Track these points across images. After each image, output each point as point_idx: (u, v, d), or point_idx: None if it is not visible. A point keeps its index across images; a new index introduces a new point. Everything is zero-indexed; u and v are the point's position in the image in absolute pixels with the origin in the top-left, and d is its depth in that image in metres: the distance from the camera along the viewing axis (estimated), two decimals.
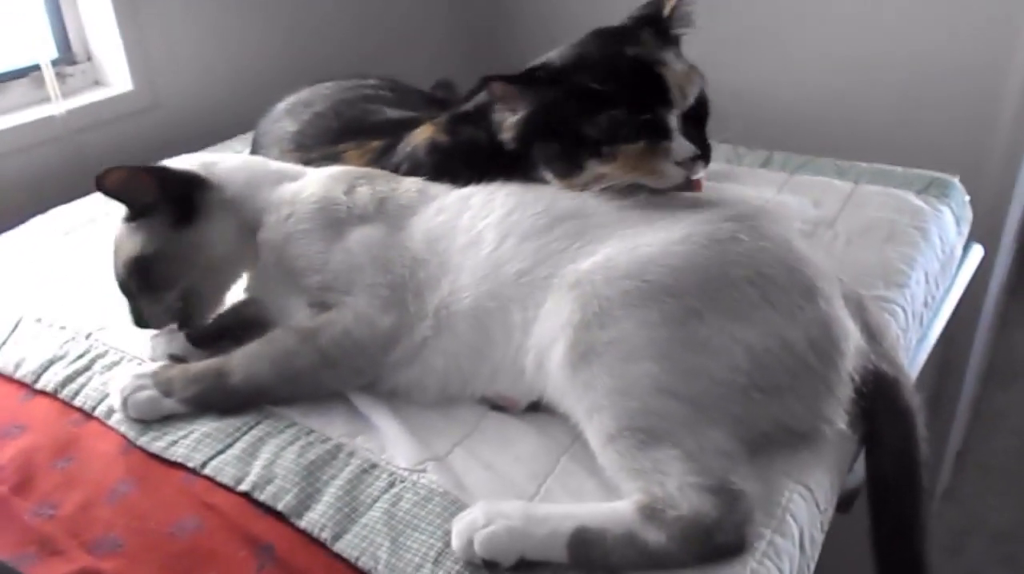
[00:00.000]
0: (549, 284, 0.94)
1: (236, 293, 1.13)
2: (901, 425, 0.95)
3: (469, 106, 1.13)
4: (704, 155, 1.04)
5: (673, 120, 1.03)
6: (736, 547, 0.80)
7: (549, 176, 1.07)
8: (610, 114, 1.01)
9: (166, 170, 1.06)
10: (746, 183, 1.54)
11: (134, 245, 1.04)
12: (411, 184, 1.09)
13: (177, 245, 1.04)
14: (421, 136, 1.14)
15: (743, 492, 0.81)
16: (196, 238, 1.05)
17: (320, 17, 2.12)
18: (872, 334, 0.99)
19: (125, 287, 1.06)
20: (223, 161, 1.13)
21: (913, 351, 1.24)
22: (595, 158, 1.02)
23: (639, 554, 0.79)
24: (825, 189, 1.51)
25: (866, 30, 1.94)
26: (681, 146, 1.02)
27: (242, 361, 0.98)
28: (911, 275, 1.26)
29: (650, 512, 0.80)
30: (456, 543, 0.80)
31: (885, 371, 0.96)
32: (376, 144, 1.17)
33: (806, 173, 1.58)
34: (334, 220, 1.03)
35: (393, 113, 1.24)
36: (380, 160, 1.15)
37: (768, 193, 1.49)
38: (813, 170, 1.59)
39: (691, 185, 1.07)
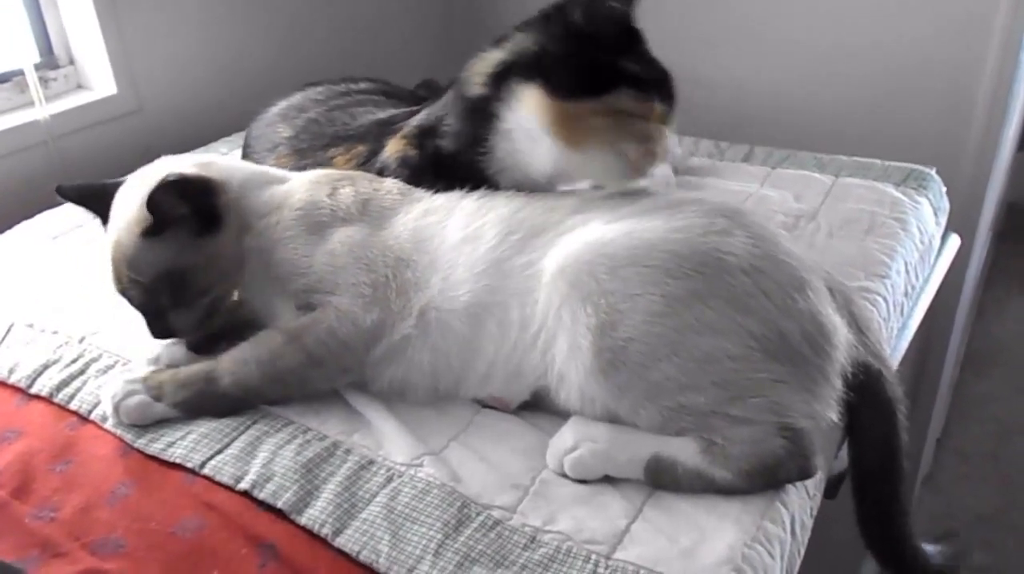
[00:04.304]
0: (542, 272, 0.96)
1: None
2: (885, 416, 0.98)
3: (431, 117, 1.13)
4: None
5: None
6: (801, 477, 0.91)
7: (538, 98, 1.01)
8: (651, 58, 1.01)
9: (189, 179, 1.02)
10: (728, 178, 1.57)
11: (162, 259, 1.01)
12: (392, 185, 1.11)
13: (205, 252, 1.03)
14: (392, 150, 1.15)
15: (803, 430, 0.89)
16: (220, 242, 1.04)
17: (302, 18, 2.12)
18: (858, 327, 1.01)
19: (149, 302, 1.03)
20: (217, 161, 1.13)
21: (894, 340, 1.27)
22: (627, 89, 0.99)
23: (706, 485, 0.88)
24: (806, 182, 1.54)
25: (844, 24, 1.97)
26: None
27: (230, 364, 0.99)
28: (892, 266, 1.29)
29: (714, 455, 0.88)
30: (550, 462, 0.92)
31: (870, 363, 0.98)
32: (361, 149, 1.18)
33: (787, 167, 1.61)
34: (317, 223, 1.04)
35: (381, 114, 1.25)
36: (365, 165, 1.16)
37: (750, 187, 1.52)
38: (794, 164, 1.62)
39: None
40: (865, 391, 0.98)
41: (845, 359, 0.95)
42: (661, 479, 0.89)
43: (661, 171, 1.09)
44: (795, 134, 1.86)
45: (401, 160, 1.13)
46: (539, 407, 0.99)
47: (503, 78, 1.04)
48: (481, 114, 1.05)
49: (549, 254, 0.96)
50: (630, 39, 1.03)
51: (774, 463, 0.88)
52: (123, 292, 1.05)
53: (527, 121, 1.03)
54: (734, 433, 0.88)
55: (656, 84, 1.03)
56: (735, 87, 2.07)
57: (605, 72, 1.00)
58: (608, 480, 0.91)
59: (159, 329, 1.05)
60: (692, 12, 2.10)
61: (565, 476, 0.91)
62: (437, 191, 1.09)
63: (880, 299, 1.22)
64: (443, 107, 1.11)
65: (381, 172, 1.14)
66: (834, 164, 1.60)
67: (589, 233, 0.96)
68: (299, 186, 1.09)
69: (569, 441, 0.91)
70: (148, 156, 1.76)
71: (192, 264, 1.02)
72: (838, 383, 0.93)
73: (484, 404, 1.01)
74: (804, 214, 1.43)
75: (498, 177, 1.07)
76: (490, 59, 1.06)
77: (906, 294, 1.32)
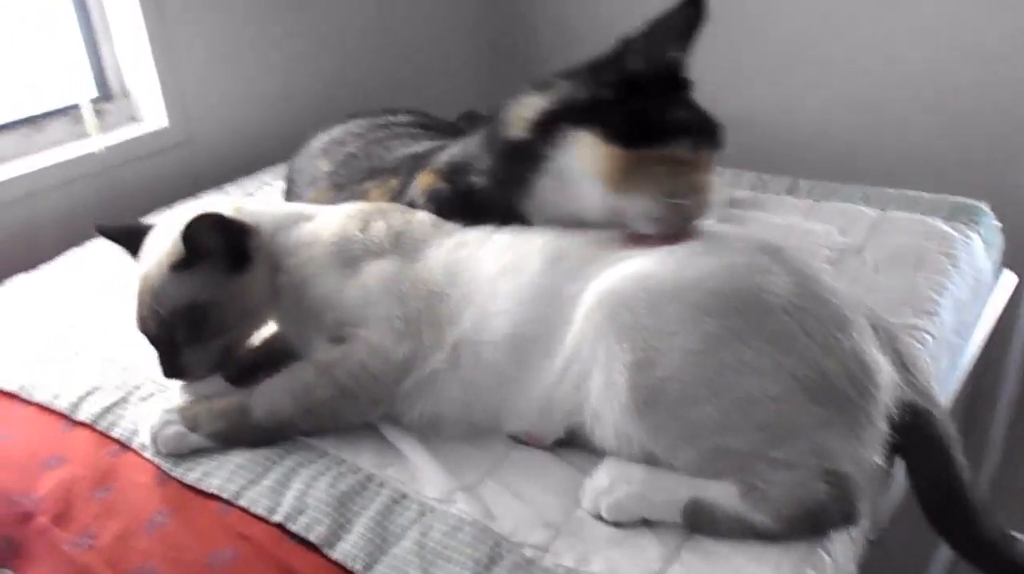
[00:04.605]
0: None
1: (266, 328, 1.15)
2: (938, 455, 0.95)
3: (464, 154, 1.13)
4: None
5: None
6: (845, 523, 0.87)
7: (594, 145, 1.00)
8: (696, 107, 1.01)
9: (226, 218, 1.04)
10: (772, 210, 1.55)
11: (186, 293, 1.03)
12: (425, 217, 1.11)
13: (230, 292, 1.04)
14: (423, 183, 1.15)
15: (847, 475, 0.86)
16: (246, 284, 1.06)
17: (350, 50, 2.17)
18: (904, 365, 0.98)
19: (165, 336, 1.04)
20: (248, 205, 1.15)
21: (945, 380, 1.23)
22: (685, 139, 0.99)
23: (746, 530, 0.86)
24: (852, 216, 1.51)
25: (892, 55, 1.94)
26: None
27: (263, 397, 1.00)
28: (941, 303, 1.26)
29: (754, 499, 0.86)
30: (585, 504, 0.90)
31: (918, 403, 0.95)
32: (394, 183, 1.19)
33: (832, 200, 1.58)
34: (350, 258, 1.05)
35: (416, 147, 1.26)
36: (398, 198, 1.17)
37: (794, 220, 1.50)
38: (839, 197, 1.59)
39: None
40: (915, 432, 0.94)
41: (890, 400, 0.92)
42: (699, 523, 0.87)
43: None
44: (840, 166, 1.83)
45: (431, 194, 1.13)
46: (574, 444, 0.98)
47: (550, 124, 1.04)
48: (523, 156, 1.05)
49: (591, 285, 0.95)
50: (680, 86, 1.03)
51: (817, 508, 0.86)
52: (142, 325, 1.06)
53: (579, 166, 1.02)
54: (775, 477, 0.86)
55: (709, 134, 1.02)
56: (778, 118, 2.06)
57: (659, 122, 1.00)
58: (644, 521, 0.89)
59: (170, 367, 1.05)
60: (736, 41, 2.09)
61: (601, 518, 0.89)
62: (466, 226, 1.09)
63: (929, 337, 1.19)
64: (478, 145, 1.12)
65: (411, 205, 1.15)
66: (881, 197, 1.57)
67: (630, 266, 0.95)
68: (330, 221, 1.10)
69: (604, 483, 0.90)
70: (196, 186, 1.81)
71: (215, 300, 1.03)
72: (883, 425, 0.90)
73: (518, 439, 1.00)
74: (849, 248, 1.40)
75: (534, 216, 1.07)
76: (533, 104, 1.06)
77: (957, 332, 1.28)
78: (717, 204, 1.05)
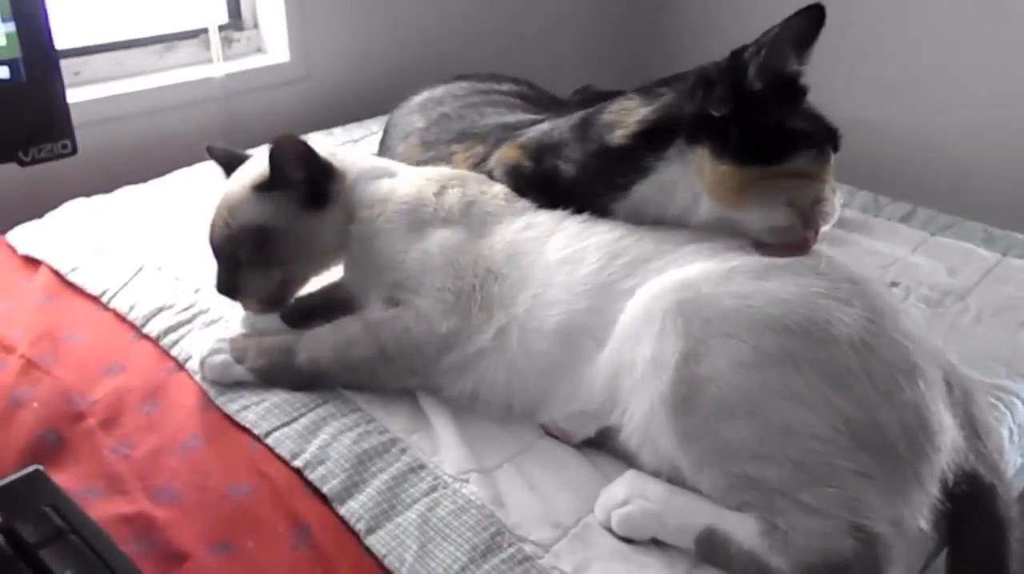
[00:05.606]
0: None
1: (328, 275, 1.16)
2: (993, 537, 0.87)
3: (554, 135, 1.11)
4: None
5: None
6: None
7: (709, 162, 0.96)
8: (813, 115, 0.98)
9: (316, 153, 1.07)
10: (879, 237, 1.45)
11: (259, 214, 1.06)
12: (500, 190, 1.10)
13: (300, 226, 1.07)
14: (505, 156, 1.13)
15: (880, 535, 0.79)
16: (317, 224, 1.08)
17: (481, 8, 2.15)
18: (975, 430, 0.90)
19: (229, 251, 1.07)
20: (339, 152, 1.16)
21: None
22: (806, 152, 0.96)
23: (760, 572, 0.80)
24: (966, 256, 1.40)
25: None
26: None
27: (309, 342, 1.02)
28: None
29: (774, 540, 0.80)
30: (598, 513, 0.87)
31: (981, 475, 0.88)
32: (480, 149, 1.17)
33: (949, 235, 1.47)
34: (419, 221, 1.04)
35: (509, 118, 1.24)
36: (480, 166, 1.15)
37: (899, 251, 1.40)
38: (958, 233, 1.47)
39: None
40: (971, 505, 0.87)
41: (948, 464, 0.84)
42: (712, 554, 0.83)
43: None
44: (969, 199, 1.69)
45: (512, 169, 1.12)
46: (603, 447, 0.95)
47: (654, 135, 1.01)
48: (623, 162, 1.03)
49: (651, 280, 0.92)
50: (799, 96, 0.98)
51: (839, 564, 0.79)
52: (212, 235, 1.09)
53: (692, 180, 0.99)
54: (801, 521, 0.80)
55: (828, 141, 0.98)
56: (908, 137, 1.91)
57: (779, 135, 0.96)
58: (654, 540, 0.86)
59: (225, 283, 1.08)
60: (875, 51, 1.95)
61: (611, 530, 0.86)
62: (540, 207, 1.07)
63: (1019, 402, 1.08)
64: (570, 132, 1.09)
65: (489, 175, 1.14)
66: (1004, 241, 1.44)
67: (702, 266, 0.91)
68: (410, 181, 1.10)
69: (620, 495, 0.87)
70: (308, 123, 1.86)
71: (285, 230, 1.06)
72: (934, 489, 0.83)
73: (548, 432, 0.98)
74: (953, 291, 1.29)
75: (620, 215, 1.04)
76: (637, 113, 1.03)
77: None
78: (838, 211, 0.99)
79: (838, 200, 1.00)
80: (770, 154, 0.96)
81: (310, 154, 1.06)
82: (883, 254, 1.38)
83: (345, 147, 1.69)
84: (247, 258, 1.07)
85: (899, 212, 1.55)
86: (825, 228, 0.99)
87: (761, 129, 0.96)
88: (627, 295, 0.94)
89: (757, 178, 0.96)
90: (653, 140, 1.01)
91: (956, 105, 1.89)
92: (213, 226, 1.09)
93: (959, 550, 0.88)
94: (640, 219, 1.04)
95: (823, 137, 0.98)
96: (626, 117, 1.04)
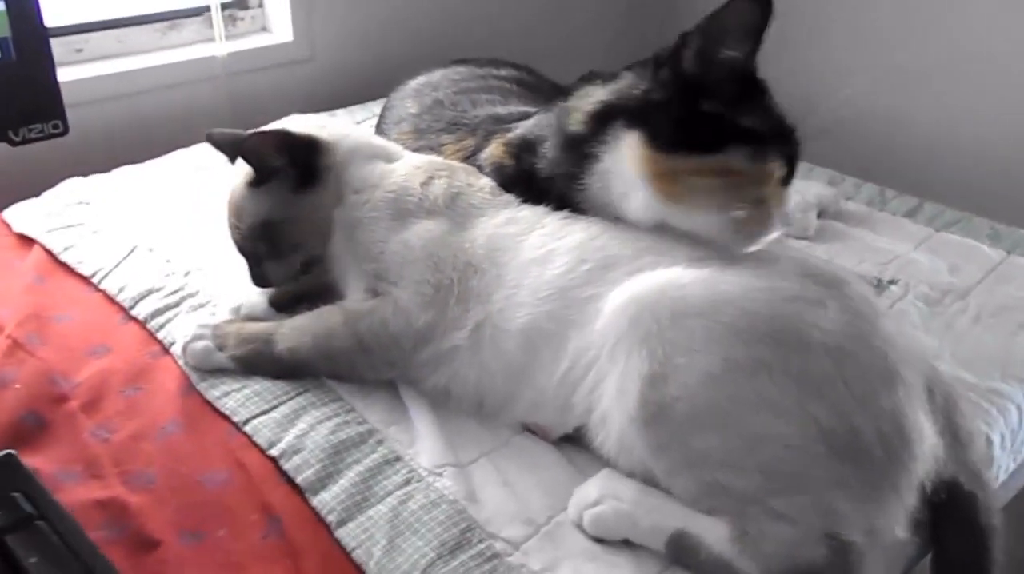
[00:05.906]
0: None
1: None
2: (974, 546, 0.86)
3: (534, 132, 1.08)
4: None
5: None
6: None
7: (639, 148, 0.93)
8: (773, 111, 0.93)
9: (291, 135, 1.07)
10: (881, 232, 1.42)
11: (260, 210, 1.07)
12: (486, 184, 1.08)
13: (300, 209, 1.07)
14: (490, 153, 1.11)
15: (852, 544, 0.78)
16: (314, 202, 1.08)
17: None
18: (956, 438, 0.89)
19: (248, 249, 1.09)
20: (332, 126, 1.16)
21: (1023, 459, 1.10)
22: (740, 148, 0.91)
23: None
24: (970, 254, 1.37)
25: None
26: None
27: (289, 331, 1.01)
28: None
29: (744, 545, 0.79)
30: (571, 512, 0.87)
31: (961, 483, 0.86)
32: (469, 142, 1.15)
33: (954, 231, 1.43)
34: (402, 211, 1.03)
35: (500, 109, 1.22)
36: (469, 159, 1.14)
37: (900, 248, 1.37)
38: (964, 230, 1.44)
39: None
40: (952, 513, 0.86)
41: (926, 472, 0.83)
42: (682, 557, 0.82)
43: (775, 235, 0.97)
44: (976, 194, 1.65)
45: (497, 168, 1.10)
46: (580, 443, 0.94)
47: (605, 119, 0.97)
48: (579, 152, 0.99)
49: (616, 289, 0.90)
50: (750, 90, 0.94)
51: (810, 572, 0.78)
52: (232, 238, 1.11)
53: (625, 168, 0.96)
54: (771, 528, 0.79)
55: (776, 142, 0.93)
56: (919, 128, 1.87)
57: (715, 127, 0.91)
58: (625, 540, 0.85)
59: (257, 277, 1.10)
60: (898, 40, 1.90)
61: (583, 529, 0.85)
62: (525, 202, 1.05)
63: (1012, 407, 1.06)
64: (547, 127, 1.06)
65: (479, 170, 1.12)
66: (1011, 238, 1.40)
67: (664, 274, 0.89)
68: (399, 168, 1.09)
69: (593, 494, 0.86)
70: (310, 104, 1.84)
71: (286, 218, 1.07)
72: (911, 498, 0.82)
73: (526, 427, 0.97)
74: (953, 290, 1.26)
75: (590, 211, 1.01)
76: (594, 96, 1.00)
77: None
78: (785, 217, 0.96)
79: (792, 209, 0.95)
80: (697, 144, 0.91)
81: (284, 139, 1.06)
82: (884, 251, 1.36)
83: (341, 121, 1.66)
84: (264, 252, 1.09)
85: (905, 206, 1.52)
86: (771, 238, 0.94)
87: (693, 117, 0.92)
88: (587, 302, 0.91)
89: (683, 170, 0.91)
90: (604, 125, 0.98)
91: (968, 96, 1.85)
92: (229, 227, 1.11)
93: (941, 559, 0.87)
94: (605, 214, 1.00)
95: (769, 137, 0.92)
96: (584, 103, 1.01)
